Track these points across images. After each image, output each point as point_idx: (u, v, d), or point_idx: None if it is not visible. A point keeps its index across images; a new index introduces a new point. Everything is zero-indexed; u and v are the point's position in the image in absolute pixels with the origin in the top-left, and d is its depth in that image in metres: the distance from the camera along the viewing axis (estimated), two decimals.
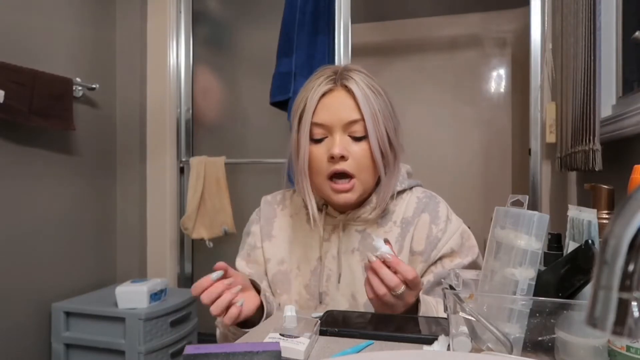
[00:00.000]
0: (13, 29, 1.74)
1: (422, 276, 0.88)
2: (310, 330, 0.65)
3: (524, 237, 0.54)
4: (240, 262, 0.98)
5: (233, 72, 2.31)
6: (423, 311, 0.77)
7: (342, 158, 0.83)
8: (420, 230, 0.90)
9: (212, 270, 0.74)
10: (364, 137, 0.84)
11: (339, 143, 0.83)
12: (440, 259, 0.88)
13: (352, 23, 1.89)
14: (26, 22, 1.79)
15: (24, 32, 1.79)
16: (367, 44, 2.86)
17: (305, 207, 0.94)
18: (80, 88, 2.01)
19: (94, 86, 2.05)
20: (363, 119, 0.83)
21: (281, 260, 0.94)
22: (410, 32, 2.86)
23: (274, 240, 0.96)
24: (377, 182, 0.90)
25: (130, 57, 2.25)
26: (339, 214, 0.91)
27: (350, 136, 0.84)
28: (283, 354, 0.58)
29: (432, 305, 0.80)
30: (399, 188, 0.92)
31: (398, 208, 0.92)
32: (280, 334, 0.62)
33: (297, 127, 0.88)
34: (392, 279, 0.71)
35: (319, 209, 0.92)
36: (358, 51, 2.33)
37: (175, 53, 2.26)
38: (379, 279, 0.72)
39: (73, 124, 1.91)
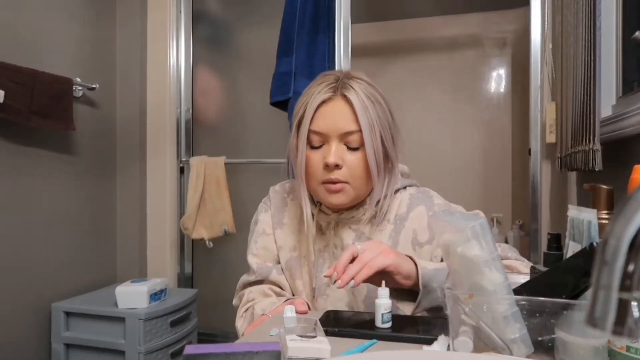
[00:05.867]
0: (13, 29, 1.74)
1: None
2: (311, 330, 0.64)
3: (475, 246, 0.52)
4: (252, 259, 0.98)
5: (233, 72, 2.30)
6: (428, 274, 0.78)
7: (337, 167, 0.85)
8: (420, 222, 0.92)
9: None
10: (360, 147, 0.85)
11: (334, 152, 0.84)
12: None
13: (352, 23, 1.89)
14: (26, 22, 1.79)
15: (24, 32, 1.78)
16: (367, 44, 2.85)
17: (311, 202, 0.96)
18: (80, 88, 2.01)
19: (94, 86, 2.05)
20: (360, 130, 0.84)
21: (293, 247, 0.97)
22: (410, 32, 2.86)
23: (285, 228, 0.98)
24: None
25: (130, 57, 2.25)
26: (332, 212, 0.94)
27: (346, 145, 0.86)
28: (307, 355, 0.58)
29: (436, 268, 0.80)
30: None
31: (392, 207, 0.94)
32: (298, 335, 0.62)
33: (296, 132, 0.89)
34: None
35: (314, 204, 0.94)
36: (358, 51, 2.33)
37: (175, 53, 2.26)
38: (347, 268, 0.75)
39: (73, 124, 1.91)
